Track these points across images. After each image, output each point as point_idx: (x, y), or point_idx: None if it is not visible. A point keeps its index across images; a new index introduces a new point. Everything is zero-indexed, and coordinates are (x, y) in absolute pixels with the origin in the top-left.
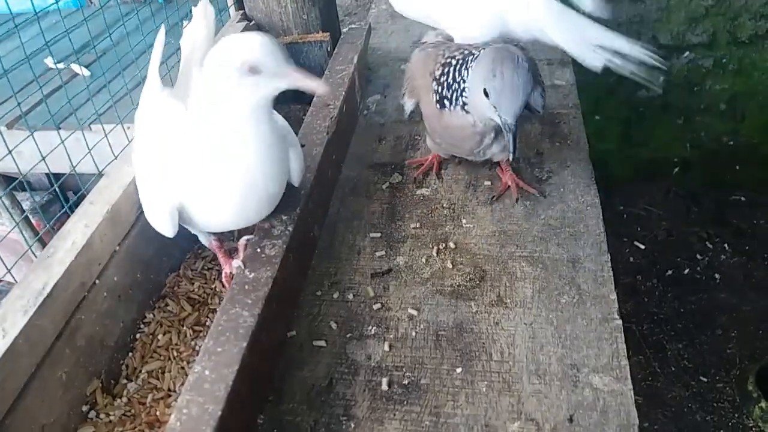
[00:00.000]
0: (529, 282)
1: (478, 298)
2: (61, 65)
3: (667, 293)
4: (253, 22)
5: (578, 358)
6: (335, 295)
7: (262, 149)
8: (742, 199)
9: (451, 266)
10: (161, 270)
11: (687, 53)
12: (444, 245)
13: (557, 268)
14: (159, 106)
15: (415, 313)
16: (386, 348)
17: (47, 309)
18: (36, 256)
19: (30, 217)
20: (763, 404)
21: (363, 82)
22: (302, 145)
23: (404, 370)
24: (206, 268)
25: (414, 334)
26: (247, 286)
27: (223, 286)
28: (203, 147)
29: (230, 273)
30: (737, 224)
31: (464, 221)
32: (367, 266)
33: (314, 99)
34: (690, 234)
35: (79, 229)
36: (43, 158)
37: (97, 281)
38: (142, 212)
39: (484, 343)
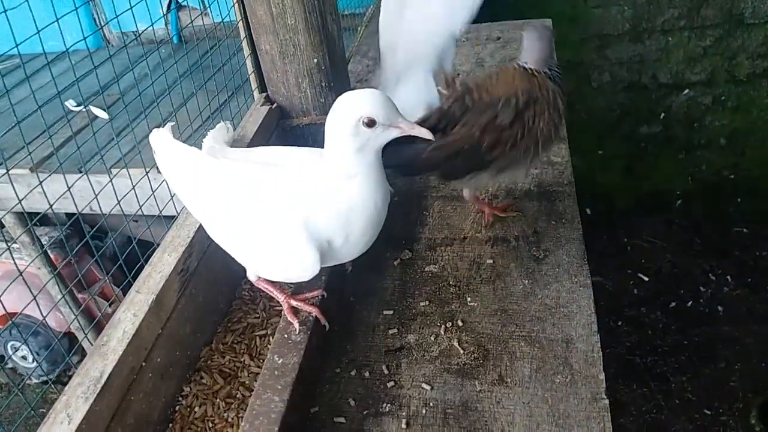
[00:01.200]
0: (527, 361)
1: (481, 377)
2: (82, 108)
3: (671, 325)
4: (275, 105)
5: None
6: (353, 373)
7: (381, 188)
8: (744, 231)
9: (457, 344)
10: (196, 345)
11: (687, 91)
12: (451, 323)
13: (552, 348)
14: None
15: (425, 391)
16: (399, 425)
17: (104, 395)
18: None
19: (48, 251)
20: None
21: None
22: None
23: None
24: (235, 342)
25: (424, 411)
26: (276, 372)
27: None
28: (339, 195)
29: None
30: (739, 256)
31: (469, 299)
32: (381, 344)
33: None
34: (693, 266)
35: (129, 318)
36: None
37: (144, 364)
38: (182, 295)
39: (486, 422)
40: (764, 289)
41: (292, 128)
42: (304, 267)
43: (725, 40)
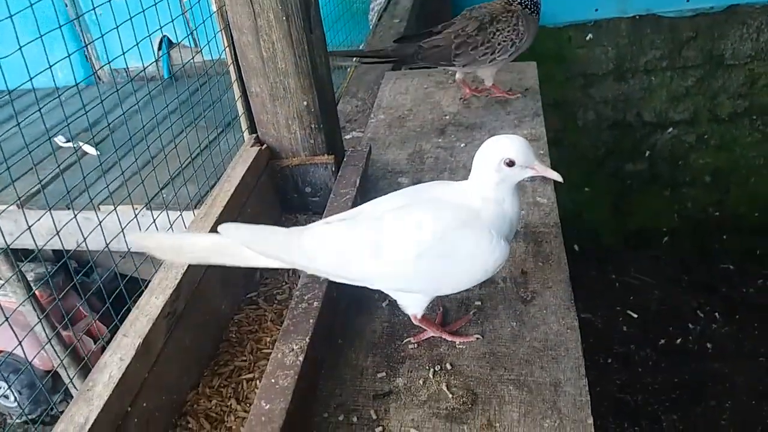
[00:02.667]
0: (516, 405)
1: (470, 422)
2: (72, 144)
3: (660, 363)
4: (265, 146)
5: None
6: (341, 418)
7: (518, 209)
8: (731, 267)
9: (446, 389)
10: (183, 389)
11: (670, 129)
12: (440, 366)
13: (541, 392)
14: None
15: None
16: None
17: None
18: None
19: (33, 286)
20: None
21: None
22: None
23: None
24: (222, 385)
25: None
26: (263, 418)
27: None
28: (499, 208)
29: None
30: (726, 293)
31: (457, 342)
32: (370, 387)
33: (323, 217)
34: (681, 303)
35: (115, 362)
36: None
37: (129, 409)
38: (169, 338)
39: None
40: (751, 325)
41: (281, 169)
42: (502, 255)
43: (707, 80)
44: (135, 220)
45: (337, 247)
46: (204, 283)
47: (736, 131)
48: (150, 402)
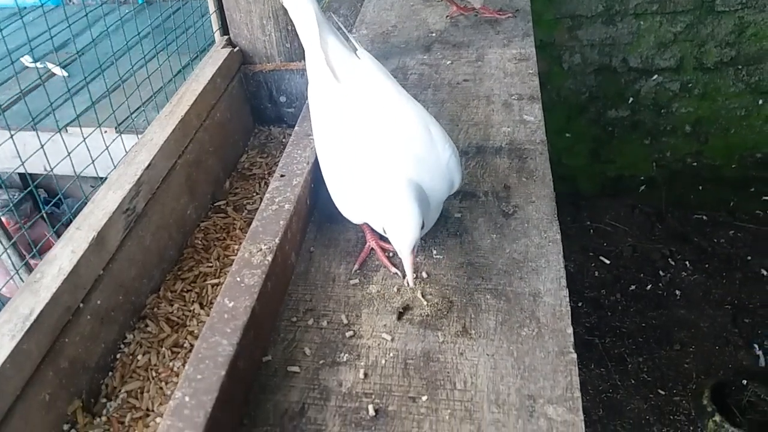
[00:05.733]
0: (492, 314)
1: (444, 329)
2: (38, 64)
3: (629, 308)
4: (237, 48)
5: (535, 389)
6: (310, 322)
7: None
8: (704, 218)
9: (421, 296)
10: (142, 292)
11: (655, 76)
12: (415, 275)
13: (519, 302)
14: None
15: (385, 341)
16: (357, 375)
17: (33, 334)
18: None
19: None
20: (717, 418)
21: None
22: (282, 175)
23: (373, 396)
24: (185, 290)
25: (384, 362)
26: (226, 315)
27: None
28: None
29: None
30: (698, 242)
31: (435, 252)
32: (342, 294)
33: (296, 128)
34: (653, 251)
35: (66, 255)
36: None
37: (81, 305)
38: (127, 236)
39: (448, 373)
40: (720, 274)
41: (254, 74)
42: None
43: (695, 27)
44: (104, 143)
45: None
46: (168, 184)
47: (720, 81)
48: (105, 300)
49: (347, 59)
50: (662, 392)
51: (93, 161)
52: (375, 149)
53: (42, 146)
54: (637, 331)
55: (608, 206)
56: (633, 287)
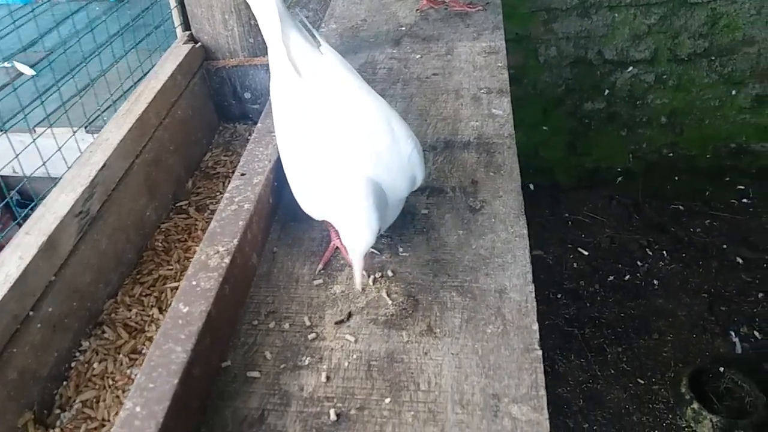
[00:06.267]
0: (458, 312)
1: (409, 328)
2: (6, 64)
3: (608, 299)
4: (199, 44)
5: (500, 388)
6: (271, 325)
7: None
8: (680, 208)
9: (386, 295)
10: (99, 297)
11: (630, 68)
12: (381, 273)
13: (485, 298)
14: None
15: (349, 343)
16: (319, 378)
17: None
18: None
19: None
20: (695, 406)
21: None
22: (243, 174)
23: (335, 400)
24: (144, 294)
25: (347, 364)
26: (180, 321)
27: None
28: None
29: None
30: (675, 232)
31: (401, 249)
32: (305, 295)
33: (258, 125)
34: (631, 241)
35: (14, 262)
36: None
37: (31, 313)
38: (81, 240)
39: (412, 373)
40: (697, 263)
41: (217, 70)
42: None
43: (669, 19)
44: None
45: None
46: (125, 185)
47: (694, 72)
48: (57, 307)
49: (309, 54)
50: (641, 381)
51: (71, 164)
52: (335, 145)
53: (20, 151)
54: (616, 321)
55: (586, 198)
56: (611, 278)
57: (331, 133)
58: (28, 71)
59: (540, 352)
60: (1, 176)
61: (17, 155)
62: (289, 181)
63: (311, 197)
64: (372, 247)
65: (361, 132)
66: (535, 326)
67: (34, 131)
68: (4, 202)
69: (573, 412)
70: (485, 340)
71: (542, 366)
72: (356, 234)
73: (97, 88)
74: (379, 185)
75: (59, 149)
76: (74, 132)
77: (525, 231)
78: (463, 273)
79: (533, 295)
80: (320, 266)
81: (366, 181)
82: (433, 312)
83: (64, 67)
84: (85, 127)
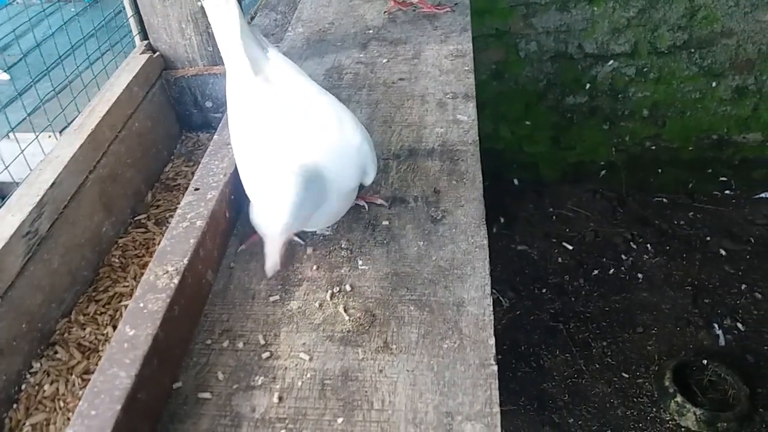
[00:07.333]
0: (415, 326)
1: (365, 344)
2: None
3: (593, 293)
4: (157, 54)
5: (453, 405)
6: (225, 344)
7: None
8: (664, 200)
9: (343, 311)
10: (51, 317)
11: (611, 62)
12: (339, 288)
13: (443, 312)
14: None
15: (303, 361)
16: (271, 399)
17: None
18: None
19: None
20: (678, 399)
21: None
22: (196, 189)
23: (287, 421)
24: (99, 312)
25: (300, 383)
26: (126, 344)
27: None
28: None
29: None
30: (659, 225)
31: (360, 263)
32: (261, 312)
33: (215, 137)
34: (615, 235)
35: None
36: None
37: None
38: (30, 260)
39: (366, 392)
40: (681, 256)
41: (176, 80)
42: None
43: (648, 12)
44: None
45: None
46: (77, 202)
47: (674, 64)
48: (5, 330)
49: (262, 55)
50: (626, 375)
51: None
52: (281, 137)
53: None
54: (601, 315)
55: (570, 192)
56: (596, 272)
57: (279, 126)
58: (2, 75)
59: (495, 368)
60: None
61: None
62: (243, 184)
63: (257, 188)
64: (296, 235)
65: (308, 124)
66: (492, 341)
67: (8, 137)
68: None
69: (558, 407)
70: (441, 355)
71: (497, 382)
72: (274, 211)
73: (73, 89)
74: (319, 172)
75: (21, 153)
76: (36, 136)
77: (485, 242)
78: (422, 286)
79: (491, 308)
80: (243, 246)
81: (300, 166)
82: (390, 327)
83: (38, 70)
84: (60, 131)
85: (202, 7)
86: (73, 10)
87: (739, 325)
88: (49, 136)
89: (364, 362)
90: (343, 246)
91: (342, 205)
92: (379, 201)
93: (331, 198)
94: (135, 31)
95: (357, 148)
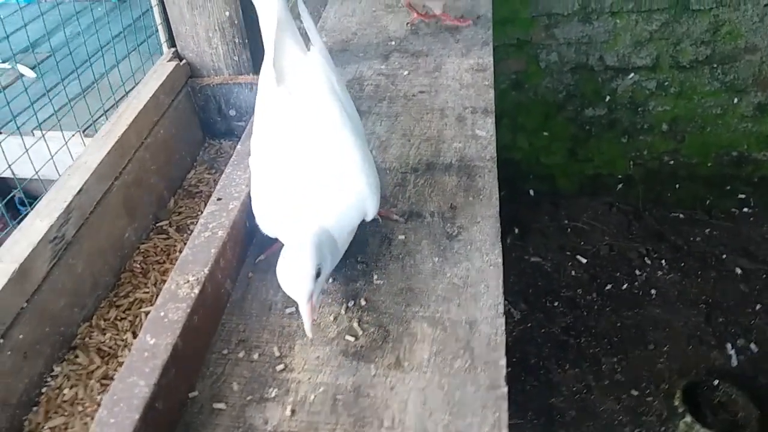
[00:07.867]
0: (427, 344)
1: (378, 360)
2: (7, 65)
3: (605, 308)
4: (184, 62)
5: (463, 426)
6: (241, 354)
7: None
8: (681, 216)
9: (357, 325)
10: (73, 321)
11: (632, 75)
12: (354, 302)
13: (455, 331)
14: None
15: (316, 375)
16: (284, 412)
17: None
18: None
19: None
20: (688, 419)
21: None
22: (219, 199)
23: None
24: (119, 318)
25: (313, 397)
26: (146, 353)
27: None
28: None
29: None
30: (674, 241)
31: (375, 277)
32: (276, 323)
33: (238, 147)
34: (630, 249)
35: None
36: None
37: (1, 341)
38: (55, 265)
39: (377, 409)
40: (695, 273)
41: (201, 88)
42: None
43: (671, 25)
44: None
45: None
46: (103, 208)
47: (695, 79)
48: (28, 334)
49: (295, 65)
50: (635, 393)
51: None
52: (289, 164)
53: (27, 150)
54: (613, 330)
55: (586, 205)
56: (609, 286)
57: (288, 145)
58: (30, 73)
59: (505, 390)
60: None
61: (13, 161)
62: (251, 186)
63: (265, 211)
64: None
65: (318, 157)
66: (503, 361)
67: (32, 134)
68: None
69: (565, 423)
70: (452, 375)
71: (506, 404)
72: (294, 284)
73: (101, 89)
74: (327, 232)
75: (51, 157)
76: (66, 142)
77: (500, 260)
78: (436, 303)
79: (503, 327)
80: (262, 256)
81: (313, 237)
82: (402, 344)
83: (65, 69)
84: (82, 131)
85: (229, 17)
86: (100, 9)
87: (753, 346)
88: (73, 135)
89: (376, 378)
90: (359, 260)
91: (343, 247)
92: (395, 217)
93: (341, 249)
94: (163, 38)
95: (357, 194)
